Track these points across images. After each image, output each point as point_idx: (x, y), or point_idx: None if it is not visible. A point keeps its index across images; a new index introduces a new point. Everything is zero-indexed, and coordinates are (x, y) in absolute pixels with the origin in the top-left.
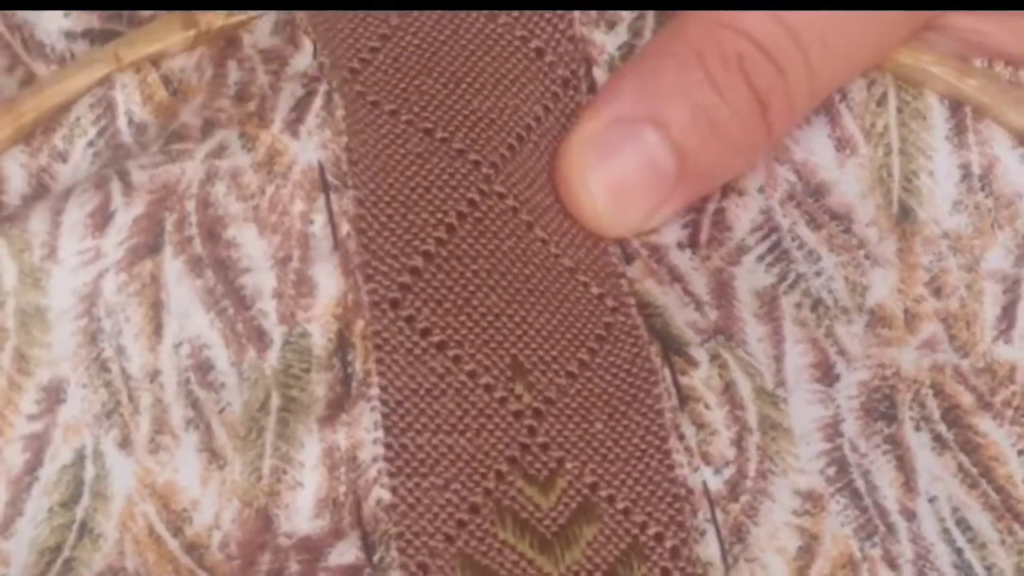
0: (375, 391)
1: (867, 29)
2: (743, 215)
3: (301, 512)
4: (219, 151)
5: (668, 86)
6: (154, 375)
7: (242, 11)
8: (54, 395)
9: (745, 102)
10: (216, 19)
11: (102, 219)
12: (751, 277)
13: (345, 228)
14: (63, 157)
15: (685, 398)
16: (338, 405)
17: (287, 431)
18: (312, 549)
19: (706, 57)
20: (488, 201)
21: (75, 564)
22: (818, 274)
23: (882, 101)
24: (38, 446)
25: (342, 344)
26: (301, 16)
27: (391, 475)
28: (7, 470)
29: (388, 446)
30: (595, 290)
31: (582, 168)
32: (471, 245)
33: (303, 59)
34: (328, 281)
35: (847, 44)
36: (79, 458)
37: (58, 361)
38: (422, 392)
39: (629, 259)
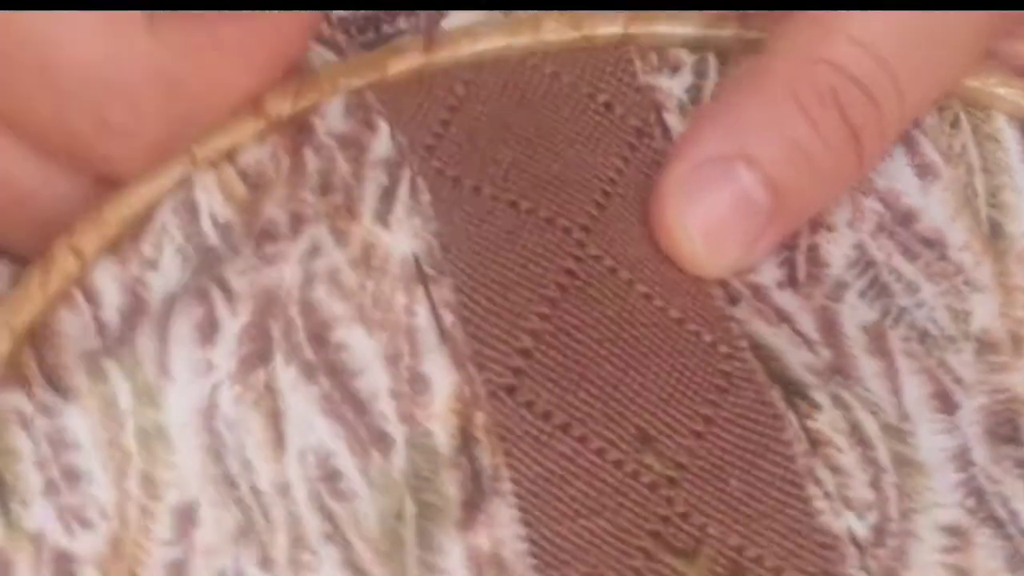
0: (508, 485)
1: (945, 53)
2: (836, 251)
3: None
4: (313, 251)
5: (757, 122)
6: (283, 489)
7: (308, 93)
8: (187, 517)
9: (839, 135)
10: (284, 105)
11: (209, 330)
12: (855, 313)
13: (449, 318)
14: (153, 265)
15: (815, 442)
16: (473, 505)
17: (427, 540)
18: None
19: (800, 92)
20: (585, 267)
21: None
22: (919, 306)
23: (955, 123)
24: (179, 572)
25: (466, 440)
26: (371, 98)
27: (538, 570)
28: None
29: (531, 540)
30: (707, 338)
31: (678, 210)
32: (576, 316)
33: (381, 143)
34: (441, 375)
35: (930, 70)
36: None
37: (186, 481)
38: (554, 479)
39: (733, 300)
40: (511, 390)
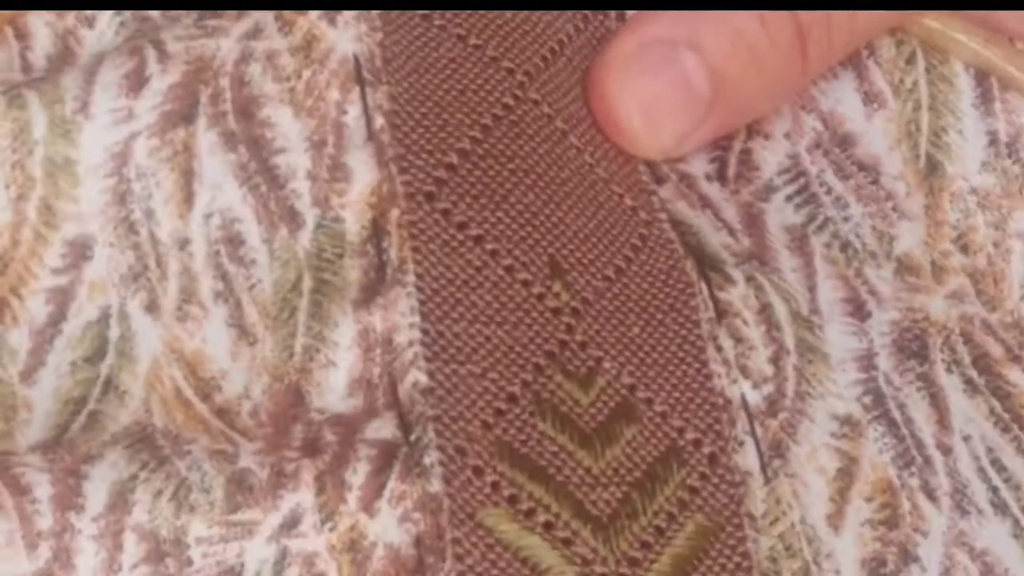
0: (411, 278)
1: None
2: (770, 157)
3: (334, 391)
4: (255, 32)
5: (710, 12)
6: (183, 243)
7: None
8: (80, 251)
9: (787, 34)
10: None
11: (137, 82)
12: (780, 214)
13: (379, 121)
14: (89, 22)
15: (723, 312)
16: (373, 289)
17: (320, 311)
18: (347, 423)
19: None
20: (523, 106)
21: (101, 417)
22: (846, 220)
23: (911, 60)
24: (62, 300)
25: (377, 231)
26: None
27: (428, 359)
28: (30, 320)
29: (425, 331)
30: (628, 202)
31: (618, 85)
32: (507, 146)
33: None
34: (363, 169)
35: None
36: (104, 316)
37: (85, 217)
38: (459, 283)
39: (659, 181)
40: (430, 196)
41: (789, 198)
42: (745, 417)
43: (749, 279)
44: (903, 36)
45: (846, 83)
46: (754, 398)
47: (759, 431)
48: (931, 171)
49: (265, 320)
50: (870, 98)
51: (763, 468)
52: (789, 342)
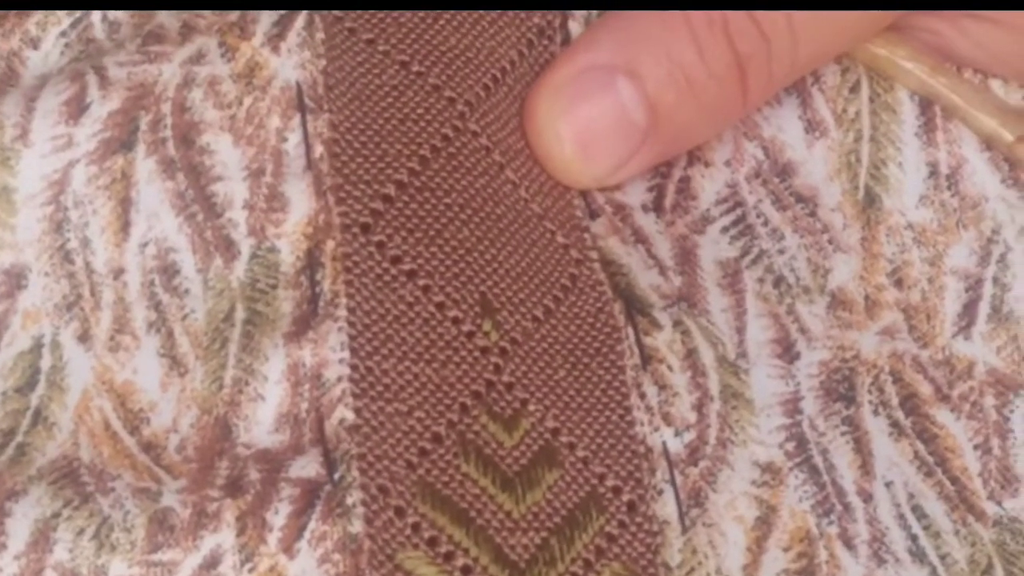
0: (343, 312)
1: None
2: (708, 186)
3: (261, 425)
4: (198, 57)
5: (648, 40)
6: (118, 272)
7: None
8: (15, 280)
9: (725, 64)
10: None
11: (77, 109)
12: (715, 248)
13: (319, 150)
14: (34, 44)
15: (648, 358)
16: (305, 322)
17: (251, 344)
18: (272, 460)
19: (692, 15)
20: (462, 138)
21: (28, 449)
22: (781, 252)
23: (855, 88)
24: None
25: (311, 263)
26: None
27: (355, 396)
28: None
29: (354, 367)
30: (561, 239)
31: (553, 112)
32: (444, 179)
33: None
34: (300, 199)
35: (831, 21)
36: (37, 346)
37: (21, 246)
38: (390, 318)
39: (593, 215)
40: (365, 228)
41: (725, 229)
42: (666, 465)
43: (676, 323)
44: (849, 63)
45: (789, 110)
46: (675, 446)
47: (679, 479)
48: (869, 204)
49: (197, 350)
50: (812, 126)
51: (681, 517)
52: (714, 388)
